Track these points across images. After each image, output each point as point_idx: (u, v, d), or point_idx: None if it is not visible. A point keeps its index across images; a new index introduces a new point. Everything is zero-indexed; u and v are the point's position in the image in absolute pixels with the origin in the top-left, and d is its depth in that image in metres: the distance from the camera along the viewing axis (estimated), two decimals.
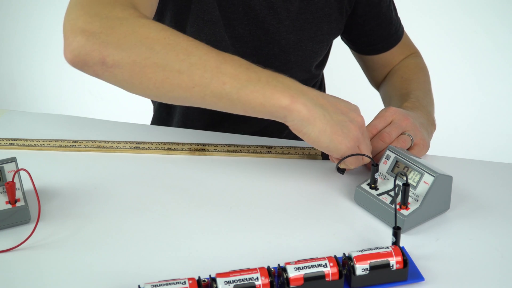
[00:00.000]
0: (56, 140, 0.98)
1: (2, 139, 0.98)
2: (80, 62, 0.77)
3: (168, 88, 0.76)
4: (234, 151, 0.96)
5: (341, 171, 0.89)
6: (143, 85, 0.77)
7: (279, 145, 0.98)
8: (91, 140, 0.98)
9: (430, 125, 0.98)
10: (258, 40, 1.08)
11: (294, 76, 1.14)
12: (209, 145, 0.97)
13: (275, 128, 1.19)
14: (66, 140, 0.98)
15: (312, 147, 0.97)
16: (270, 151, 0.96)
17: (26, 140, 0.98)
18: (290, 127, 0.79)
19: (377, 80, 1.25)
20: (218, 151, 0.96)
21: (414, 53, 1.24)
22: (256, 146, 0.97)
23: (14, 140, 0.98)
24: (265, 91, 0.75)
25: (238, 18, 1.05)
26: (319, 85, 1.30)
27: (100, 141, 0.97)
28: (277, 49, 1.09)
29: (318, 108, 0.77)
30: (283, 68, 1.12)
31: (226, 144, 0.97)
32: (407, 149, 0.89)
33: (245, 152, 0.96)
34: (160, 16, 1.07)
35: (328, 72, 1.35)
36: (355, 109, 0.83)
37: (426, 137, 0.92)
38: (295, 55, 1.11)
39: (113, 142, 0.97)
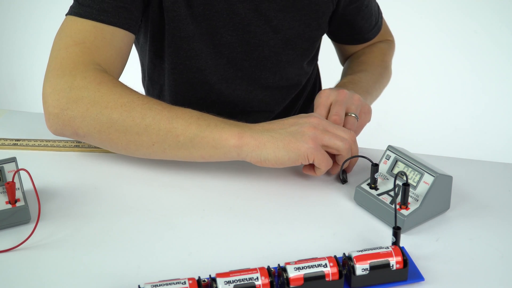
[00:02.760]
0: (60, 141, 0.97)
1: (6, 139, 0.98)
2: (60, 135, 0.90)
3: (133, 148, 0.86)
4: None
5: (343, 181, 0.89)
6: (113, 148, 0.89)
7: None
8: None
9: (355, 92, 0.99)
10: (247, 45, 1.08)
11: (288, 75, 1.15)
12: None
13: None
14: (69, 140, 0.98)
15: None
16: None
17: (29, 140, 0.97)
18: (252, 163, 0.83)
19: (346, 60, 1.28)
20: None
21: (386, 40, 1.26)
22: None
23: (18, 140, 0.98)
24: (214, 135, 0.83)
25: (224, 25, 1.05)
26: (314, 82, 1.29)
27: None
28: (267, 51, 1.09)
29: (265, 133, 0.83)
30: (276, 69, 1.11)
31: None
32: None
33: None
34: (143, 40, 1.10)
35: (327, 69, 1.35)
36: (305, 115, 0.86)
37: (364, 102, 0.93)
38: (286, 55, 1.11)
39: None
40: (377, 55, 1.21)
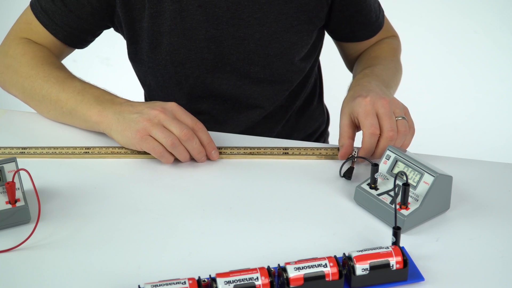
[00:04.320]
0: (68, 148, 0.95)
1: (12, 147, 0.95)
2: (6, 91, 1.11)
3: (40, 111, 1.04)
4: (250, 153, 0.95)
5: (348, 176, 0.89)
6: (30, 106, 1.06)
7: (296, 146, 0.97)
8: (97, 147, 0.95)
9: (385, 88, 1.00)
10: (232, 38, 1.08)
11: (277, 70, 1.15)
12: (226, 148, 0.96)
13: (265, 128, 1.18)
14: (78, 147, 0.95)
15: (329, 148, 0.97)
16: (287, 153, 0.95)
17: (37, 148, 0.95)
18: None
19: (353, 63, 1.26)
20: (235, 154, 0.95)
21: (392, 36, 1.25)
22: (273, 148, 0.96)
23: (25, 148, 0.95)
24: (83, 111, 0.97)
25: (207, 20, 1.05)
26: (314, 84, 1.28)
27: (107, 147, 0.95)
28: (253, 44, 1.09)
29: (116, 115, 0.94)
30: (264, 63, 1.11)
31: (243, 147, 0.96)
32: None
33: (261, 154, 0.95)
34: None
35: (329, 73, 1.34)
36: (155, 104, 0.93)
37: (399, 101, 0.94)
38: (273, 48, 1.10)
39: (120, 148, 0.95)
40: (387, 49, 1.20)
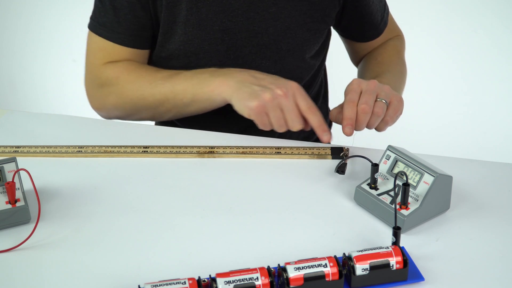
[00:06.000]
0: (62, 146, 0.95)
1: (6, 146, 0.96)
2: (107, 118, 1.15)
3: (157, 116, 1.11)
4: (243, 152, 0.96)
5: (341, 171, 0.90)
6: (138, 119, 1.12)
7: (288, 146, 0.97)
8: (97, 145, 0.96)
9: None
10: (246, 31, 1.09)
11: (289, 66, 1.16)
12: (218, 147, 0.97)
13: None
14: (72, 146, 0.96)
15: (321, 147, 0.97)
16: (280, 152, 0.96)
17: (30, 147, 0.95)
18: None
19: (359, 60, 1.30)
20: (227, 153, 0.96)
21: (396, 36, 1.27)
22: (265, 147, 0.97)
23: (18, 147, 0.95)
24: (205, 89, 1.00)
25: (223, 11, 1.06)
26: (320, 85, 1.29)
27: (107, 146, 0.96)
28: (266, 38, 1.10)
29: (237, 83, 0.98)
30: (276, 57, 1.12)
31: (235, 146, 0.97)
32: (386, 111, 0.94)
33: (254, 154, 0.95)
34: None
35: (334, 75, 1.34)
36: (282, 82, 0.96)
37: (395, 92, 0.97)
38: (286, 43, 1.11)
39: (120, 146, 0.95)
40: (393, 53, 1.23)
